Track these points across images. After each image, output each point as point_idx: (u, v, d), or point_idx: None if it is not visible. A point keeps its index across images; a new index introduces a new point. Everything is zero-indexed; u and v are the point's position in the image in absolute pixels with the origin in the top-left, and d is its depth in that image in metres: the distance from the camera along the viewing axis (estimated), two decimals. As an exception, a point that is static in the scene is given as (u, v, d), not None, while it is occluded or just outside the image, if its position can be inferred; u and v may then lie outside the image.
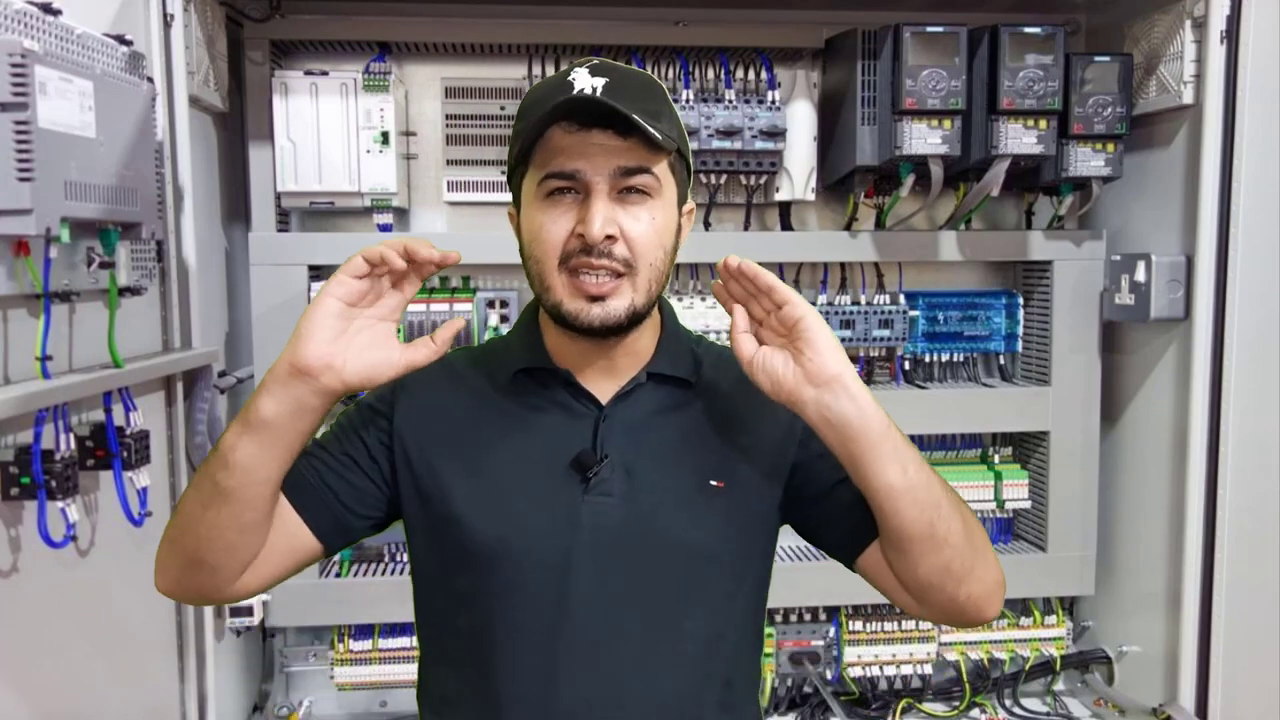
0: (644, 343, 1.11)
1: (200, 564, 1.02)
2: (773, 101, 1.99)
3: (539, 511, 1.05)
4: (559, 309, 1.02)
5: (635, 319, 1.04)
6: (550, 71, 2.04)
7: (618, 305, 1.01)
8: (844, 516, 1.09)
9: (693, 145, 1.94)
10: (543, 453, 1.06)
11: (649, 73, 1.09)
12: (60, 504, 1.25)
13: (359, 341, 1.01)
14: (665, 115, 1.03)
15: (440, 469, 1.07)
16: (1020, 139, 1.90)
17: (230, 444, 0.96)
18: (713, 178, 2.04)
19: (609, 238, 0.99)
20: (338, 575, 2.00)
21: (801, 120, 2.05)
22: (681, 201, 1.09)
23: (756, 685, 1.18)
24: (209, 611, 1.75)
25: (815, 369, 0.97)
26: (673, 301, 2.01)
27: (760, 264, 1.00)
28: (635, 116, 0.96)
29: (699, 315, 2.02)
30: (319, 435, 1.11)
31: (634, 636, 1.05)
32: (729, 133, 1.95)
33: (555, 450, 1.06)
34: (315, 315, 0.98)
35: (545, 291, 1.03)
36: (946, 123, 1.88)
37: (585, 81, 1.00)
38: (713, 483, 1.08)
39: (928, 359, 2.17)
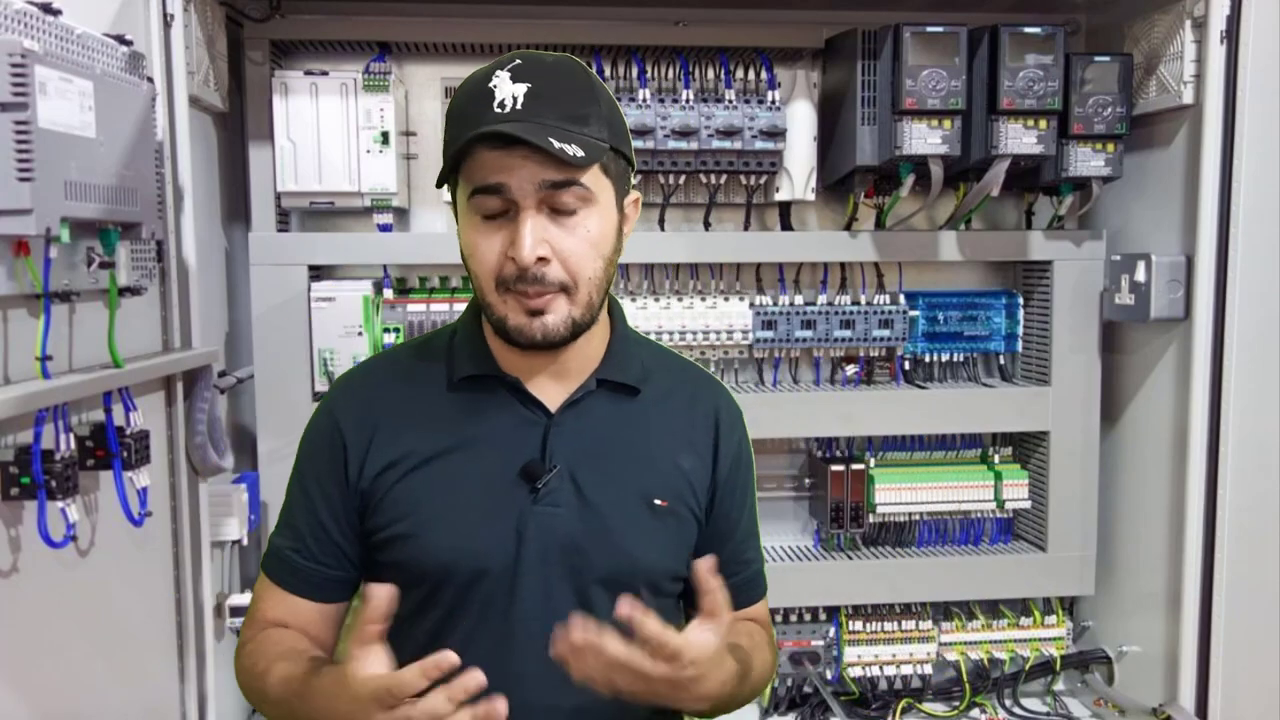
0: (593, 345, 1.10)
1: None
2: (773, 101, 1.99)
3: (488, 523, 1.04)
4: (504, 324, 1.02)
5: (577, 331, 1.03)
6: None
7: (556, 321, 1.00)
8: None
9: (693, 145, 1.94)
10: (491, 462, 1.06)
11: (572, 58, 1.05)
12: (60, 504, 1.25)
13: None
14: (593, 116, 1.00)
15: (389, 483, 1.07)
16: (1020, 139, 1.90)
17: None
18: (713, 178, 2.04)
19: (540, 259, 0.98)
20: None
21: (801, 120, 2.05)
22: (622, 197, 1.06)
23: None
24: (209, 611, 1.75)
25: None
26: (670, 303, 2.01)
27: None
28: (553, 139, 0.94)
29: (699, 315, 2.02)
30: (286, 499, 1.13)
31: None
32: (729, 133, 1.95)
33: (503, 459, 1.06)
34: None
35: (488, 307, 1.03)
36: (946, 123, 1.88)
37: (506, 90, 0.97)
38: (657, 501, 1.08)
39: (928, 359, 2.17)
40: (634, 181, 1.13)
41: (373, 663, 0.89)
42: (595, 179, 1.00)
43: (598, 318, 1.07)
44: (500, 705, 0.87)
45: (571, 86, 1.02)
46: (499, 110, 0.97)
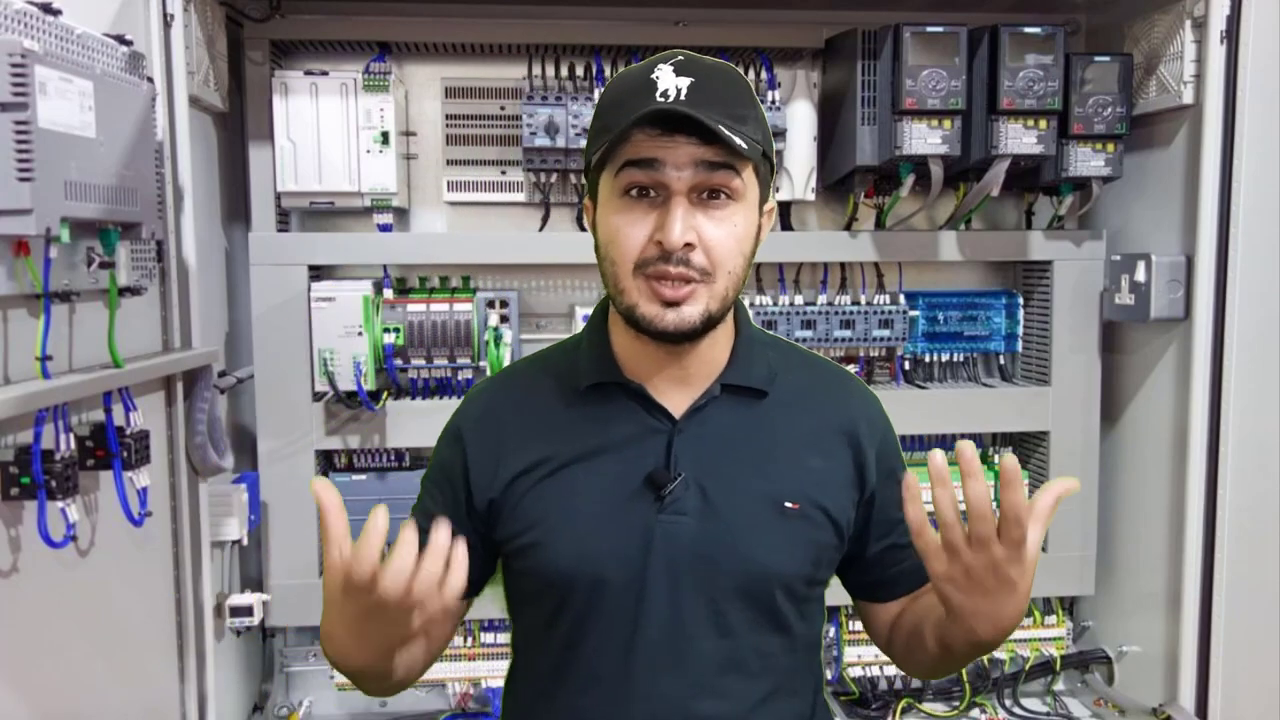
0: (718, 350, 1.08)
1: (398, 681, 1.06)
2: (773, 101, 1.99)
3: (613, 532, 1.03)
4: (633, 312, 0.99)
5: (710, 324, 1.01)
6: (549, 72, 2.04)
7: (692, 311, 0.98)
8: (891, 563, 1.14)
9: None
10: (616, 470, 1.04)
11: (731, 65, 1.05)
12: (60, 504, 1.25)
13: None
14: (751, 118, 1.00)
15: (518, 494, 1.06)
16: (1020, 139, 1.90)
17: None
18: (713, 178, 2.03)
19: (687, 245, 0.96)
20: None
21: (801, 120, 2.05)
22: (763, 202, 1.06)
23: (825, 708, 1.18)
24: (209, 611, 1.75)
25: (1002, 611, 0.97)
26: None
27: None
28: (721, 127, 0.93)
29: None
30: (422, 485, 1.13)
31: (706, 657, 1.04)
32: (729, 133, 1.94)
33: (628, 467, 1.04)
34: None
35: (620, 294, 1.00)
36: (946, 123, 1.88)
37: (669, 81, 0.96)
38: (787, 504, 1.05)
39: (928, 359, 2.17)
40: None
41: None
42: (747, 176, 1.00)
43: (726, 317, 1.05)
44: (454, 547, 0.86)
45: (733, 86, 1.01)
46: (662, 99, 0.95)
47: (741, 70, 2.06)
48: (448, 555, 0.85)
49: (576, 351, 1.12)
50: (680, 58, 0.99)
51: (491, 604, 1.16)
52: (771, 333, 1.19)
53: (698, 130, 0.94)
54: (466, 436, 1.09)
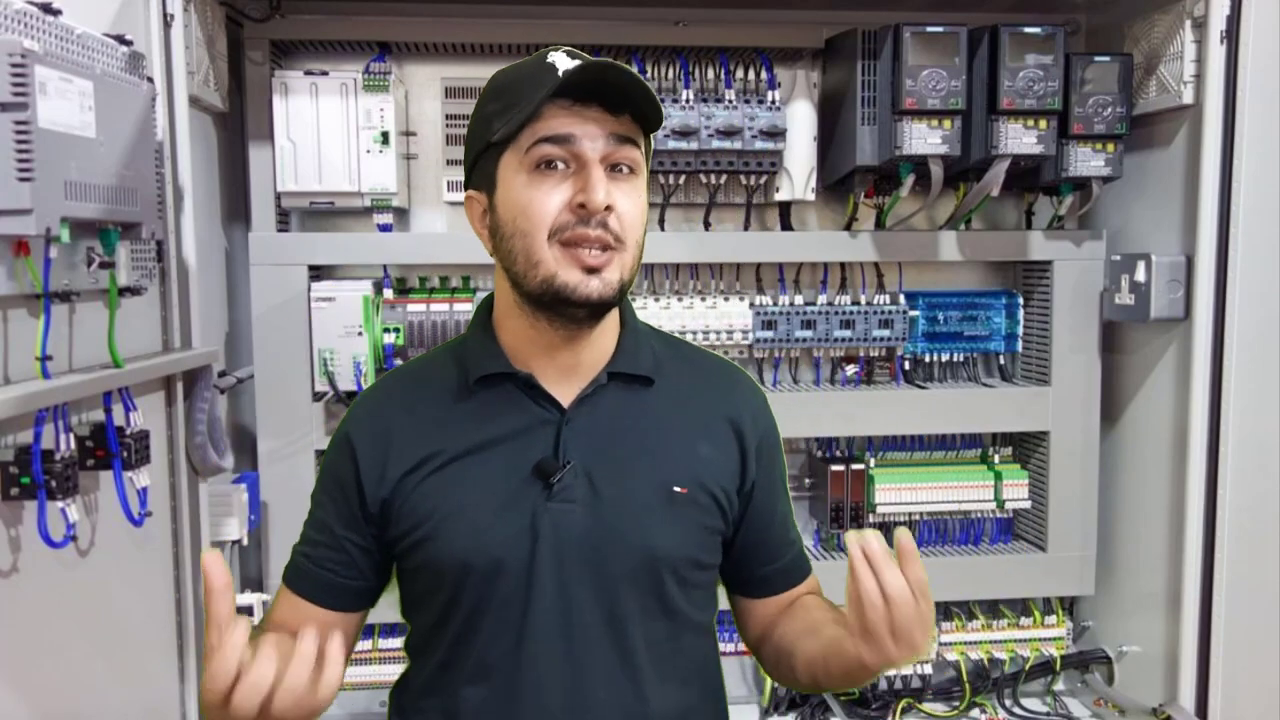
0: (606, 339, 1.09)
1: None
2: (773, 101, 1.99)
3: (502, 522, 1.04)
4: (551, 282, 0.99)
5: (621, 295, 1.02)
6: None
7: (611, 277, 0.99)
8: (766, 559, 1.16)
9: (692, 145, 1.94)
10: (505, 461, 1.05)
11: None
12: (60, 504, 1.25)
13: None
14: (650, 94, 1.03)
15: (407, 491, 1.06)
16: (1020, 139, 1.90)
17: None
18: (713, 178, 2.04)
19: (607, 208, 0.98)
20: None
21: (801, 120, 2.05)
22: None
23: (720, 689, 1.19)
24: (209, 611, 1.75)
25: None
26: (670, 303, 2.02)
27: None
28: (639, 80, 0.97)
29: (699, 315, 2.02)
30: (311, 503, 1.14)
31: (597, 644, 1.05)
32: (729, 133, 1.95)
33: (517, 458, 1.05)
34: None
35: (533, 267, 0.99)
36: (946, 123, 1.88)
37: (565, 64, 0.99)
38: (676, 489, 1.07)
39: (928, 359, 2.17)
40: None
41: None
42: (643, 153, 1.03)
43: (625, 293, 1.06)
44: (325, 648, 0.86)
45: (627, 69, 1.03)
46: (563, 77, 0.97)
47: (742, 70, 2.08)
48: (318, 655, 0.85)
49: (463, 348, 1.13)
50: (567, 48, 1.02)
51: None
52: (653, 326, 1.20)
53: (607, 99, 0.97)
54: (355, 441, 1.09)
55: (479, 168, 1.05)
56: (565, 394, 1.08)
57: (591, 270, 0.98)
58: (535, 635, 1.04)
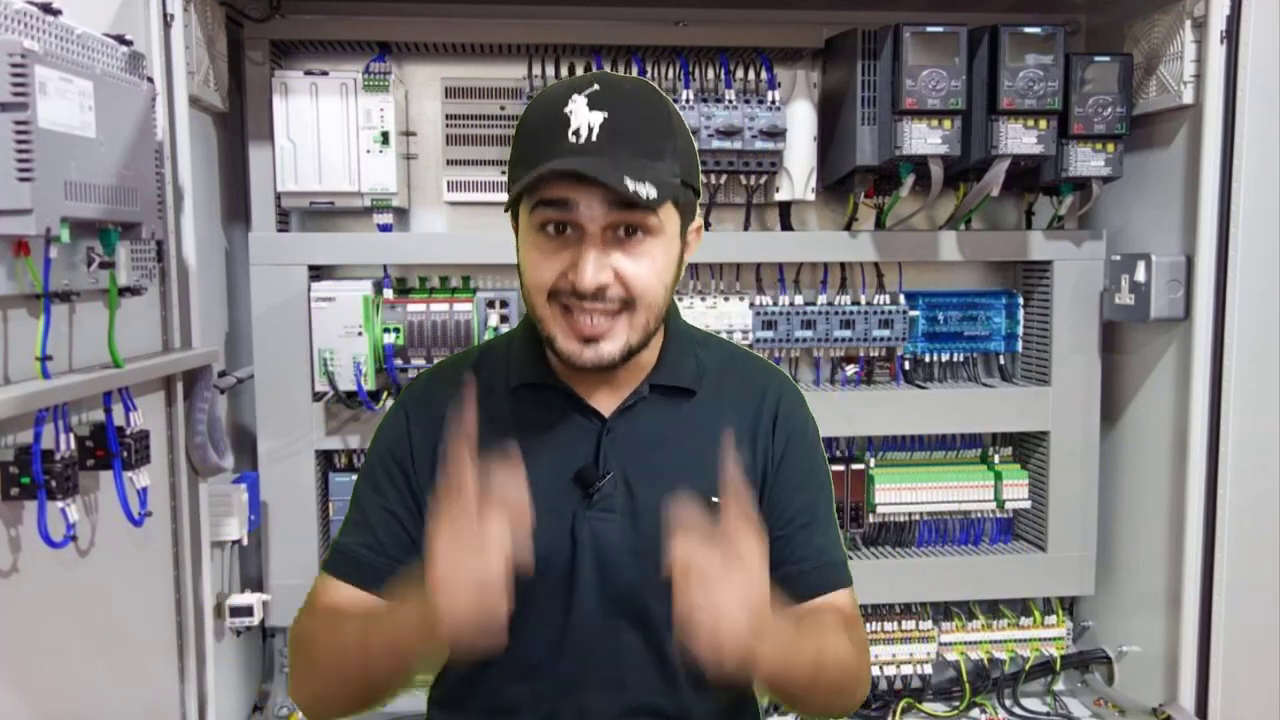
0: (647, 351, 1.09)
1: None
2: (773, 101, 1.99)
3: (543, 530, 1.02)
4: (552, 344, 1.01)
5: (629, 356, 1.02)
6: (549, 72, 2.04)
7: (611, 348, 1.00)
8: (779, 560, 1.09)
9: (693, 145, 1.94)
10: (546, 467, 1.06)
11: (650, 85, 1.04)
12: (60, 504, 1.25)
13: None
14: (668, 150, 0.99)
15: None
16: (1020, 139, 1.90)
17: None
18: (713, 178, 2.04)
19: (601, 288, 0.97)
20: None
21: (801, 120, 2.05)
22: (687, 225, 1.06)
23: (755, 702, 1.18)
24: (209, 611, 1.75)
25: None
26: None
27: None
28: (628, 180, 0.92)
29: (699, 316, 2.02)
30: (355, 500, 1.13)
31: (634, 652, 1.06)
32: (729, 133, 1.95)
33: (558, 465, 1.06)
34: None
35: (540, 320, 1.02)
36: (946, 123, 1.88)
37: (582, 118, 0.95)
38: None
39: (928, 359, 2.17)
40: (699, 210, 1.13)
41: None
42: (664, 212, 1.00)
43: (651, 341, 1.06)
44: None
45: (650, 117, 1.00)
46: (573, 139, 0.95)
47: (742, 70, 2.08)
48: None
49: (509, 349, 1.13)
50: (596, 87, 0.97)
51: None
52: (702, 329, 1.19)
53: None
54: (412, 424, 1.10)
55: (511, 203, 1.05)
56: (606, 405, 1.09)
57: (589, 340, 0.99)
58: (576, 636, 1.04)
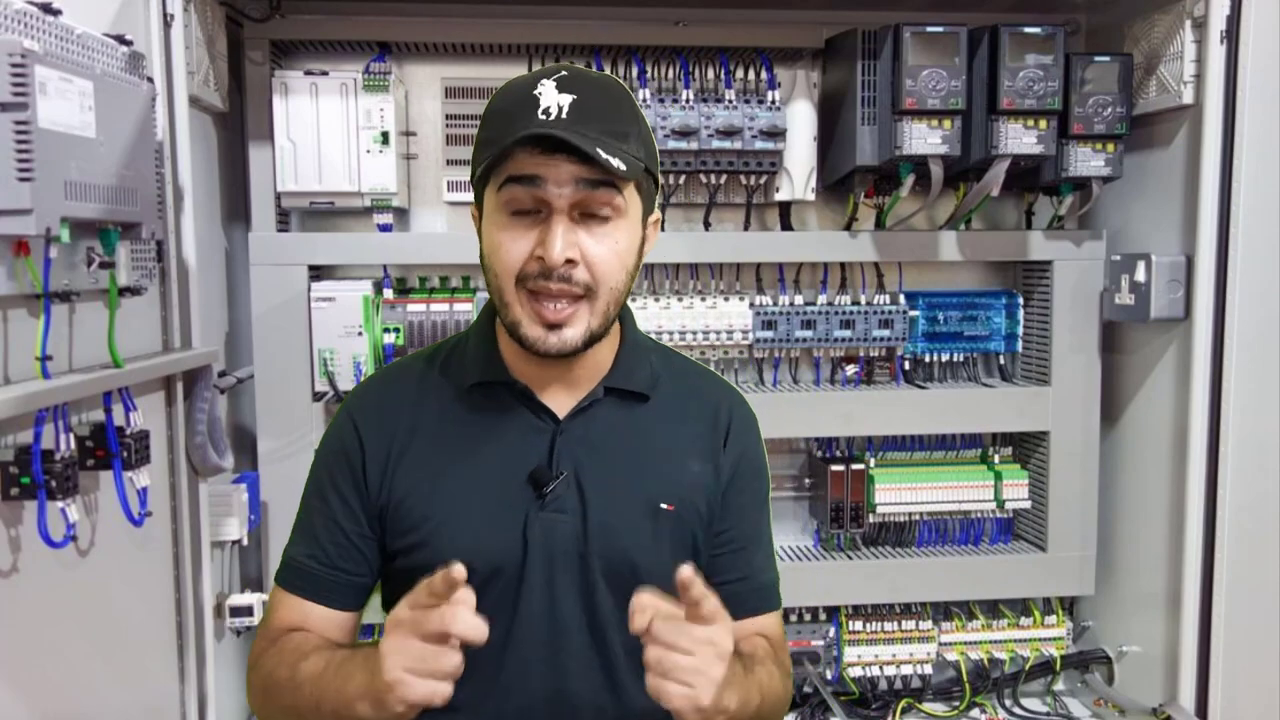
0: (603, 354, 1.11)
1: None
2: (773, 101, 1.99)
3: (495, 529, 1.05)
4: (516, 329, 1.02)
5: (592, 342, 1.03)
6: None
7: (574, 333, 1.01)
8: (711, 573, 1.10)
9: (693, 145, 1.94)
10: (499, 467, 1.07)
11: (614, 77, 1.07)
12: (60, 504, 1.25)
13: None
14: (633, 134, 1.01)
15: (404, 492, 1.07)
16: (1020, 139, 1.90)
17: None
18: (713, 178, 2.04)
19: (569, 261, 0.98)
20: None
21: (801, 120, 2.05)
22: (647, 215, 1.08)
23: None
24: (209, 611, 1.75)
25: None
26: (670, 303, 2.02)
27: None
28: (599, 149, 0.95)
29: (699, 316, 2.02)
30: (302, 509, 1.14)
31: (579, 651, 1.06)
32: (729, 133, 1.95)
33: (512, 464, 1.07)
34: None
35: (504, 307, 1.03)
36: (946, 123, 1.88)
37: (551, 99, 0.98)
38: (663, 505, 1.08)
39: (928, 359, 2.17)
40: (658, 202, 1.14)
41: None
42: (629, 194, 1.02)
43: (611, 329, 1.07)
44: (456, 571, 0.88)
45: (615, 103, 1.02)
46: (543, 117, 0.97)
47: (742, 70, 2.08)
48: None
49: (464, 348, 1.14)
50: (564, 73, 1.00)
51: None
52: (654, 339, 1.21)
53: (577, 150, 0.95)
54: (361, 430, 1.10)
55: (476, 187, 1.07)
56: (561, 405, 1.09)
57: (552, 326, 1.00)
58: (521, 637, 1.05)
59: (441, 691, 0.89)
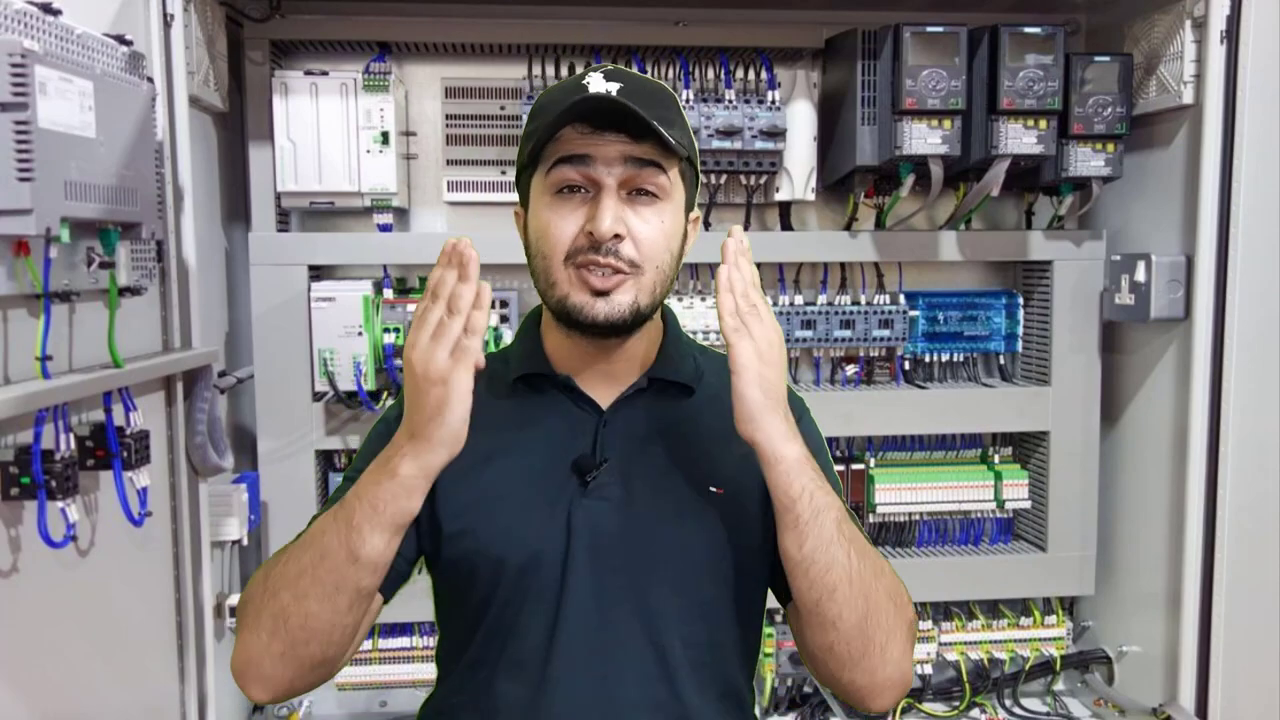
0: (644, 348, 1.11)
1: (324, 662, 1.00)
2: (773, 101, 1.99)
3: (538, 518, 1.05)
4: (564, 303, 1.02)
5: (639, 318, 1.03)
6: (550, 72, 2.04)
7: (622, 301, 1.01)
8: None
9: (693, 145, 1.94)
10: (543, 458, 1.07)
11: (659, 80, 1.09)
12: (60, 504, 1.25)
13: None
14: (678, 123, 1.04)
15: (448, 483, 1.05)
16: (1020, 139, 1.90)
17: (361, 540, 0.95)
18: (713, 178, 2.04)
19: (617, 236, 1.00)
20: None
21: (801, 120, 2.05)
22: (689, 208, 1.09)
23: (753, 692, 1.18)
24: (209, 611, 1.75)
25: (741, 415, 0.98)
26: (672, 302, 2.01)
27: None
28: (650, 119, 0.97)
29: (699, 315, 2.02)
30: (345, 476, 1.11)
31: (629, 641, 1.05)
32: (729, 133, 1.95)
33: (555, 454, 1.07)
34: (459, 396, 0.94)
35: (550, 287, 1.03)
36: (946, 123, 1.88)
37: (600, 86, 1.01)
38: (712, 489, 1.07)
39: (928, 359, 2.17)
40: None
41: None
42: (674, 176, 1.04)
43: (654, 315, 1.08)
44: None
45: (660, 91, 1.06)
46: (595, 95, 1.00)
47: (742, 70, 2.08)
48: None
49: (508, 350, 1.16)
50: (609, 68, 1.04)
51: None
52: (697, 340, 1.22)
53: (627, 126, 0.99)
54: None
55: (520, 185, 1.09)
56: (604, 397, 1.09)
57: (599, 293, 1.01)
58: (568, 629, 1.03)
59: (472, 349, 0.92)
